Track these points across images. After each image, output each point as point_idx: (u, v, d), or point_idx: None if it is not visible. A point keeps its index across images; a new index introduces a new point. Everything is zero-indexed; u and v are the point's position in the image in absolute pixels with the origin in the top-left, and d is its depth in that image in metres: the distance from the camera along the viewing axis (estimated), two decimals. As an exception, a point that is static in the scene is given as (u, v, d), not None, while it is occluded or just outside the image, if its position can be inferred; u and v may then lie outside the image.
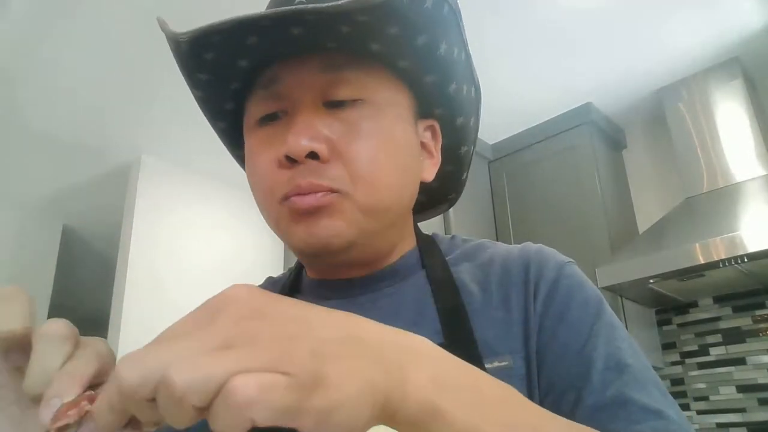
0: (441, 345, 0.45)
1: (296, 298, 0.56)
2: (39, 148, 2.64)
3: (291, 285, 0.61)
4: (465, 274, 0.55)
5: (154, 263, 2.67)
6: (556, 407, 0.45)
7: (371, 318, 0.50)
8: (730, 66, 2.20)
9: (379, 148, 0.50)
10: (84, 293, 4.13)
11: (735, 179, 2.08)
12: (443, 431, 0.29)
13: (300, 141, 0.47)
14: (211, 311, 0.26)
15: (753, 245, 1.74)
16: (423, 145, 0.57)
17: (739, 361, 2.14)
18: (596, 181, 2.33)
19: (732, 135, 2.13)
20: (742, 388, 2.11)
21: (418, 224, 0.64)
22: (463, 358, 0.44)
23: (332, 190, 0.48)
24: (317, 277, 0.59)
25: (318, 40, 0.49)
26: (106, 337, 2.56)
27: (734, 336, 2.17)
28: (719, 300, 2.23)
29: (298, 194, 0.48)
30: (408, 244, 0.59)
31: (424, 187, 0.59)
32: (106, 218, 3.24)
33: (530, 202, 2.54)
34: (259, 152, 0.51)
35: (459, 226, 2.35)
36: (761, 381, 2.07)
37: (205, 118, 0.61)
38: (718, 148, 2.15)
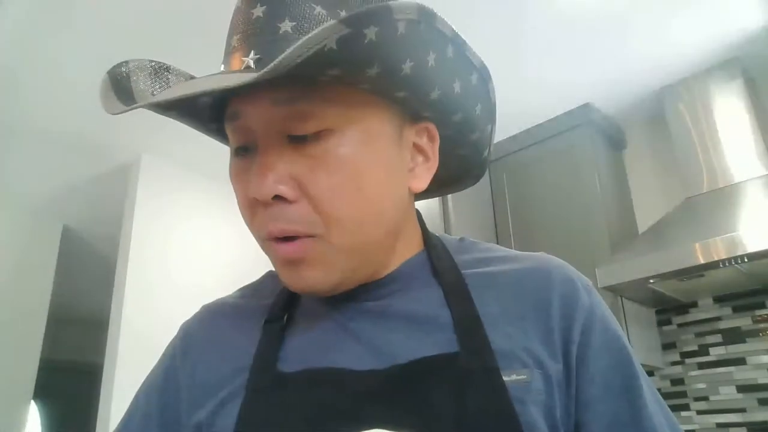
0: (456, 354, 0.46)
1: (301, 299, 0.57)
2: (39, 147, 2.64)
3: None
4: (476, 281, 0.53)
5: (154, 263, 2.67)
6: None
7: (382, 324, 0.50)
8: (731, 66, 2.19)
9: (348, 183, 0.47)
10: (84, 293, 4.12)
11: (735, 179, 2.08)
12: None
13: (262, 185, 0.46)
14: None
15: (753, 245, 1.74)
16: (417, 147, 0.54)
17: (739, 361, 2.13)
18: (596, 181, 2.33)
19: (732, 135, 2.13)
20: (742, 388, 2.11)
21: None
22: (479, 369, 0.46)
23: (303, 235, 0.47)
24: None
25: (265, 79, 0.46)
26: (105, 337, 2.57)
27: (734, 336, 2.16)
28: (719, 300, 2.23)
29: (276, 239, 0.48)
30: (413, 248, 0.57)
31: (444, 168, 0.58)
32: (106, 218, 3.24)
33: (530, 202, 2.53)
34: (237, 185, 0.51)
35: (459, 226, 2.35)
36: (761, 381, 2.07)
37: None
38: (718, 148, 2.15)
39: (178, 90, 0.46)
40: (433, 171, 0.55)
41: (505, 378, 0.46)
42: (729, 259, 1.78)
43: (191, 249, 2.81)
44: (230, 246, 2.82)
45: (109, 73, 0.52)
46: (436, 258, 0.56)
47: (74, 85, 2.21)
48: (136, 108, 0.48)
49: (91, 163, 2.81)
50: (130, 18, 1.89)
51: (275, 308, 0.57)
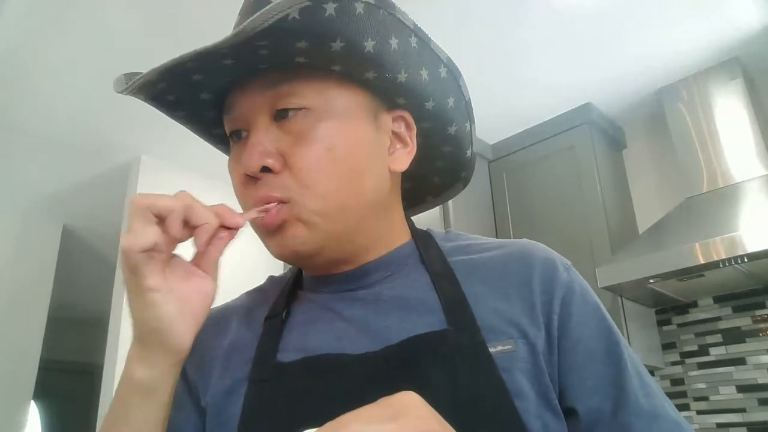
0: (445, 331, 0.51)
1: (298, 294, 0.61)
2: (39, 148, 2.64)
3: (294, 282, 0.63)
4: (462, 266, 0.57)
5: (154, 263, 2.67)
6: (583, 398, 0.51)
7: (377, 310, 0.54)
8: (730, 66, 2.19)
9: (324, 155, 0.52)
10: (84, 293, 4.13)
11: (735, 179, 2.08)
12: None
13: (251, 159, 0.52)
14: (392, 410, 0.34)
15: (753, 245, 1.74)
16: (396, 135, 0.59)
17: (739, 361, 2.13)
18: (596, 181, 2.33)
19: (732, 135, 2.13)
20: (742, 388, 2.11)
21: (412, 218, 0.67)
22: (467, 343, 0.50)
23: (282, 201, 0.52)
24: (313, 274, 0.61)
25: (249, 65, 0.53)
26: (105, 337, 2.57)
27: (734, 336, 2.16)
28: (719, 300, 2.23)
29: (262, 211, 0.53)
30: (400, 238, 0.61)
31: (433, 170, 0.66)
32: (106, 218, 3.24)
33: (530, 202, 2.53)
34: (232, 171, 0.57)
35: (459, 225, 2.35)
36: (761, 381, 2.07)
37: None
38: (718, 148, 2.15)
39: (168, 63, 0.51)
40: (412, 155, 0.60)
41: (491, 349, 0.50)
42: (729, 259, 1.78)
43: (190, 249, 2.80)
44: (230, 246, 2.81)
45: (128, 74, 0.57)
46: (424, 247, 0.60)
47: (74, 85, 2.21)
48: (137, 81, 0.54)
49: (91, 164, 2.82)
50: (130, 19, 1.89)
51: (275, 306, 0.60)
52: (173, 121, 0.62)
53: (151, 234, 0.45)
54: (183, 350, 0.49)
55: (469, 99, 0.63)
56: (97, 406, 2.44)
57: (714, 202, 2.07)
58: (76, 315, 4.54)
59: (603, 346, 0.53)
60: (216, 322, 0.62)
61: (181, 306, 0.48)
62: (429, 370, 0.48)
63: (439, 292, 0.54)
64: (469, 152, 0.66)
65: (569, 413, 0.51)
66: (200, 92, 0.57)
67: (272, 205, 0.52)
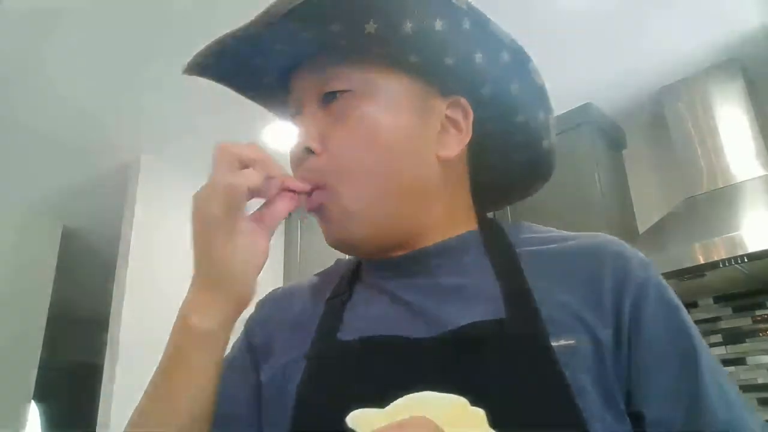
0: (502, 320, 0.49)
1: (361, 277, 0.61)
2: (39, 148, 2.65)
3: (357, 265, 0.63)
4: (529, 258, 0.54)
5: (154, 263, 2.67)
6: (652, 403, 0.47)
7: (435, 295, 0.55)
8: (730, 66, 2.20)
9: (362, 138, 0.53)
10: (84, 293, 4.13)
11: (735, 179, 2.08)
12: None
13: (297, 142, 0.54)
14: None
15: (753, 245, 1.74)
16: (450, 120, 0.57)
17: (739, 361, 2.13)
18: (596, 181, 2.33)
19: (732, 135, 2.13)
20: (742, 388, 2.10)
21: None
22: (526, 334, 0.48)
23: (318, 186, 0.53)
24: (369, 259, 0.61)
25: (299, 50, 0.55)
26: (105, 338, 2.57)
27: (734, 336, 2.16)
28: (719, 300, 2.23)
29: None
30: (463, 226, 0.59)
31: (508, 162, 0.64)
32: (106, 218, 3.24)
33: (530, 202, 2.51)
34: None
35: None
36: (761, 381, 2.07)
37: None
38: (718, 148, 2.15)
39: (213, 44, 0.54)
40: (464, 143, 0.57)
41: (552, 343, 0.46)
42: (729, 259, 1.78)
43: (190, 249, 2.80)
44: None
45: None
46: (490, 236, 0.58)
47: (75, 85, 2.21)
48: (197, 63, 0.56)
49: (91, 164, 2.82)
50: (130, 19, 1.89)
51: (338, 287, 0.61)
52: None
53: (257, 177, 0.48)
54: (247, 301, 0.51)
55: (543, 85, 0.60)
56: (97, 406, 2.44)
57: (714, 202, 2.07)
58: (76, 315, 4.54)
59: (677, 349, 0.49)
60: (283, 298, 0.64)
61: (251, 257, 0.50)
62: (482, 356, 0.46)
63: (501, 282, 0.52)
64: (546, 143, 0.63)
65: (635, 418, 0.47)
66: (263, 76, 0.59)
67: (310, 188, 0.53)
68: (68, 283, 3.65)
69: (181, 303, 0.53)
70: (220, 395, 0.52)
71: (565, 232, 0.59)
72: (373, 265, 0.60)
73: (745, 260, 1.77)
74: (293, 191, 0.52)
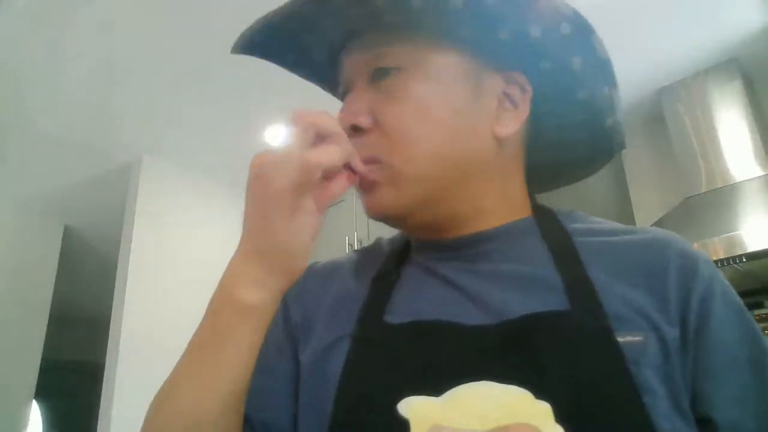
0: (567, 312, 0.47)
1: (410, 257, 0.59)
2: (40, 148, 2.65)
3: (405, 244, 0.61)
4: (588, 248, 0.52)
5: (155, 263, 2.68)
6: (721, 408, 0.45)
7: (493, 282, 0.52)
8: (729, 67, 2.20)
9: (412, 114, 0.52)
10: (85, 293, 4.14)
11: (734, 179, 2.08)
12: None
13: (345, 117, 0.52)
14: None
15: (752, 245, 1.75)
16: (508, 96, 0.55)
17: (738, 361, 2.13)
18: (596, 181, 2.33)
19: (731, 135, 2.14)
20: (741, 388, 2.11)
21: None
22: (591, 327, 0.45)
23: (372, 161, 0.51)
24: (419, 238, 0.59)
25: (350, 27, 0.55)
26: (106, 337, 2.58)
27: (733, 336, 2.16)
28: (718, 300, 2.23)
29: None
30: (518, 211, 0.57)
31: (570, 141, 0.60)
32: (107, 218, 3.25)
33: (530, 202, 2.53)
34: None
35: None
36: (760, 380, 2.07)
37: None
38: (716, 149, 2.16)
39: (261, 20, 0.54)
40: (521, 120, 0.55)
41: (619, 338, 0.44)
42: (728, 259, 1.79)
43: (192, 248, 2.81)
44: (230, 245, 2.81)
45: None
46: (546, 223, 0.56)
47: (75, 85, 2.22)
48: (245, 39, 0.56)
49: (92, 164, 2.83)
50: (130, 18, 1.89)
51: (385, 266, 0.58)
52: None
53: (338, 156, 0.46)
54: (296, 277, 0.49)
55: (608, 59, 0.56)
56: (99, 405, 2.45)
57: (713, 202, 2.07)
58: (77, 314, 4.54)
59: (747, 352, 0.47)
60: (324, 273, 0.61)
61: (306, 236, 0.48)
62: (544, 348, 0.44)
63: (560, 271, 0.50)
64: (610, 120, 0.58)
65: (702, 423, 0.45)
66: (312, 53, 0.59)
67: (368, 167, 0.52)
68: (70, 283, 3.66)
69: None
70: (256, 367, 0.50)
71: (617, 225, 0.57)
72: (424, 246, 0.57)
73: (744, 260, 1.78)
74: (352, 171, 0.50)
